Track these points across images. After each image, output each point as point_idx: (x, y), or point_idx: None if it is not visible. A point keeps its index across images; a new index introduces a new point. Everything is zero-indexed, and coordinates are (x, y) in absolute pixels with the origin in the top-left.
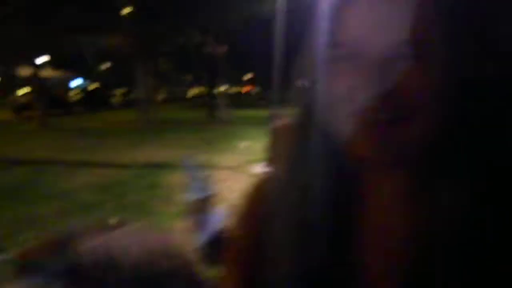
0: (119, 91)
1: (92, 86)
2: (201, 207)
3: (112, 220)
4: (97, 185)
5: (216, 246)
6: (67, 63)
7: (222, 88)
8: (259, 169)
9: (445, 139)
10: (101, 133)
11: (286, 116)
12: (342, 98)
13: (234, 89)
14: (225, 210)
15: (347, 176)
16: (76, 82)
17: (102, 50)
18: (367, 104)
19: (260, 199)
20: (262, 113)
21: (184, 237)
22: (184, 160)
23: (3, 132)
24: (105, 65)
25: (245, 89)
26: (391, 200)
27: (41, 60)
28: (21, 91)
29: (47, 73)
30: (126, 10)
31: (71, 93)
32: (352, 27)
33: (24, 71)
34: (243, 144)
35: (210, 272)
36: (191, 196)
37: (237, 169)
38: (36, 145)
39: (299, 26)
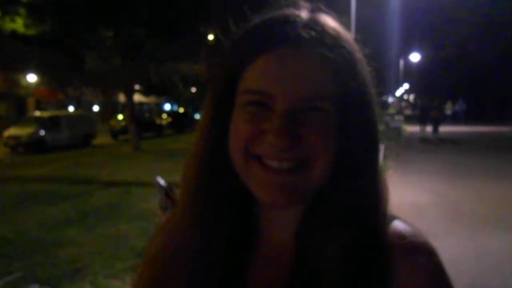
0: None
1: (180, 110)
2: None
3: None
4: None
5: None
6: (157, 89)
7: None
8: None
9: (332, 185)
10: (186, 154)
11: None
12: (248, 140)
13: None
14: None
15: (245, 212)
16: (166, 107)
17: (188, 77)
18: (274, 150)
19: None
20: None
21: None
22: (156, 179)
23: (102, 155)
24: (192, 90)
25: None
26: (284, 233)
27: (134, 88)
28: (119, 117)
29: (140, 99)
30: (209, 38)
31: (162, 117)
32: (266, 77)
33: (122, 98)
34: None
35: None
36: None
37: None
38: (128, 167)
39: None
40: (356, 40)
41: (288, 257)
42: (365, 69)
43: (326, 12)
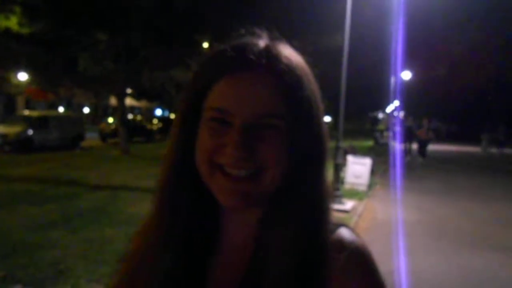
0: None
1: (172, 116)
2: None
3: None
4: None
5: None
6: (149, 94)
7: None
8: None
9: (282, 192)
10: None
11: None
12: (211, 151)
13: None
14: None
15: (208, 217)
16: (157, 112)
17: (181, 83)
18: (233, 160)
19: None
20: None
21: None
22: None
23: (90, 157)
24: None
25: None
26: (244, 235)
27: (126, 92)
28: (109, 120)
29: (131, 103)
30: (204, 46)
31: (152, 122)
32: (225, 97)
33: (113, 101)
34: None
35: None
36: None
37: None
38: (116, 171)
39: (364, 58)
40: (308, 63)
41: (247, 257)
42: (314, 91)
43: (282, 41)
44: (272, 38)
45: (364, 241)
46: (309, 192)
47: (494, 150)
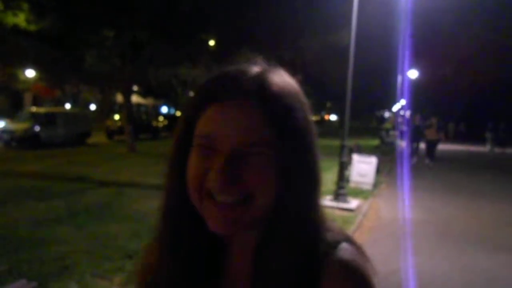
0: None
1: (177, 114)
2: None
3: None
4: None
5: None
6: (156, 92)
7: None
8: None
9: (277, 212)
10: None
11: None
12: (199, 177)
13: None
14: None
15: (211, 240)
16: (163, 110)
17: (187, 81)
18: (217, 185)
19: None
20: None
21: None
22: None
23: (97, 154)
24: (190, 94)
25: (327, 116)
26: (246, 257)
27: (132, 89)
28: (115, 117)
29: (137, 100)
30: (210, 44)
31: (158, 120)
32: (212, 124)
33: (120, 98)
34: None
35: None
36: None
37: None
38: (122, 168)
39: (374, 56)
40: (303, 91)
41: (249, 280)
42: (305, 117)
43: (276, 68)
44: (266, 65)
45: (364, 261)
46: (302, 216)
47: (497, 150)
